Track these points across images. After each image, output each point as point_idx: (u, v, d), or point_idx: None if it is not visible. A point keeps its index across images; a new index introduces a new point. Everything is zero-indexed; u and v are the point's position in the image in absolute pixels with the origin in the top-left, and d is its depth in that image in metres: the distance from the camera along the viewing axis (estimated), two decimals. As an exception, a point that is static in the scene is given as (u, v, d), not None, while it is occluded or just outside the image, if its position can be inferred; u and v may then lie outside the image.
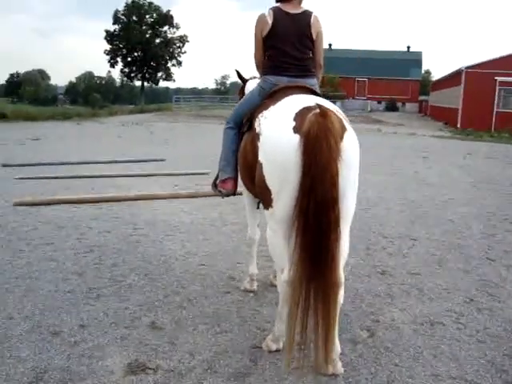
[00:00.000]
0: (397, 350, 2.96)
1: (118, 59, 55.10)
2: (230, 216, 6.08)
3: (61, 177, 8.45)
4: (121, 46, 54.17)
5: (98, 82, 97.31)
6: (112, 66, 55.35)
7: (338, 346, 2.65)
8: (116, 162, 10.56)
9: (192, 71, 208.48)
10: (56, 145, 13.63)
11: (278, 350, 2.84)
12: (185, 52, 56.00)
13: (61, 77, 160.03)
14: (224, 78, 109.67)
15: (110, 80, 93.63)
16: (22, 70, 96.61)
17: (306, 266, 2.40)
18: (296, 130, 2.43)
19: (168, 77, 57.37)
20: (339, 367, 2.67)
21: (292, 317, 2.42)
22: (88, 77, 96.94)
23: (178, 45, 55.59)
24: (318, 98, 2.79)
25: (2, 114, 27.21)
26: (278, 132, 2.53)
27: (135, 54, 54.56)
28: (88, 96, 77.53)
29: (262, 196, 2.73)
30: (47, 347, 2.83)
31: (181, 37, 55.41)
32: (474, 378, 2.69)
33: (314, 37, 3.15)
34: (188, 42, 55.89)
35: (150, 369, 2.66)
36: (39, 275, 3.94)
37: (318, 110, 2.42)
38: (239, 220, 5.74)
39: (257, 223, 3.76)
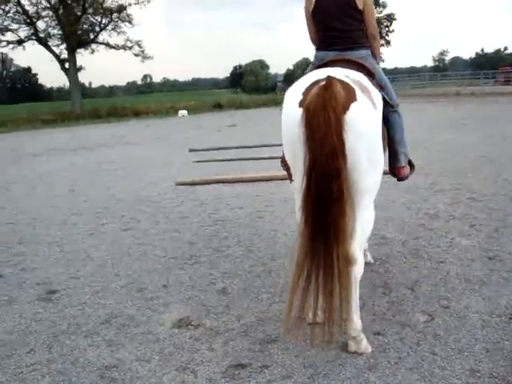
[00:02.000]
0: (445, 340, 2.68)
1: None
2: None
3: (231, 159, 9.41)
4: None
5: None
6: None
7: (357, 324, 2.56)
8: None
9: (407, 50, 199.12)
10: (247, 130, 14.99)
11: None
12: (393, 31, 53.92)
13: (279, 65, 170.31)
14: (442, 54, 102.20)
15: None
16: (243, 62, 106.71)
17: (310, 241, 2.39)
18: (301, 104, 2.44)
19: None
20: (364, 346, 2.59)
21: (293, 290, 2.43)
22: (304, 63, 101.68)
23: (385, 24, 53.82)
24: (346, 70, 2.67)
25: (218, 104, 30.91)
26: (287, 106, 2.56)
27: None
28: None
29: (286, 169, 2.79)
30: (127, 299, 3.42)
31: (388, 15, 53.49)
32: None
33: (360, 7, 2.99)
34: (395, 19, 53.66)
35: (192, 325, 3.00)
36: (158, 243, 4.65)
37: (323, 83, 2.38)
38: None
39: None
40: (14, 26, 28.68)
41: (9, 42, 28.97)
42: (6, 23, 28.28)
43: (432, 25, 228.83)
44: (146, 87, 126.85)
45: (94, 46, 30.66)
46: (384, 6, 52.80)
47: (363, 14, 3.03)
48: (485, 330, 2.76)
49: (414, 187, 6.31)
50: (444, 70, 73.24)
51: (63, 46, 28.98)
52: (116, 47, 30.63)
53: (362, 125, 2.37)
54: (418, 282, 3.45)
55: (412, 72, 74.60)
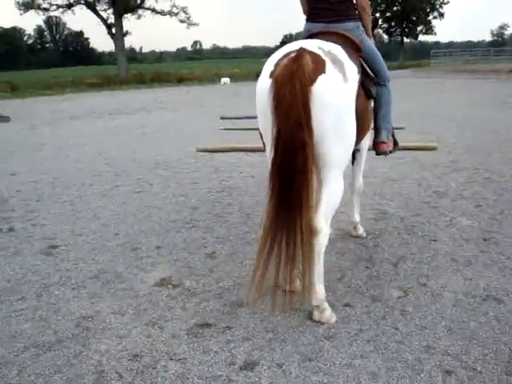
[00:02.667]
0: (411, 316, 2.70)
1: (377, 15, 54.29)
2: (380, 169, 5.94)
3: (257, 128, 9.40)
4: (379, 1, 53.15)
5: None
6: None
7: (319, 294, 2.61)
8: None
9: (464, 23, 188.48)
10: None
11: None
12: (447, 2, 51.30)
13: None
14: (502, 28, 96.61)
15: (377, 37, 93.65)
16: (294, 32, 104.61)
17: (275, 209, 2.44)
18: (271, 74, 2.46)
19: (428, 30, 53.88)
20: (327, 316, 2.65)
21: (259, 257, 2.48)
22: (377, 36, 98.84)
23: (439, -5, 51.32)
24: (323, 42, 2.64)
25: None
26: (260, 77, 2.59)
27: (394, 8, 52.84)
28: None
29: (261, 139, 2.82)
30: (120, 257, 3.60)
31: (442, -14, 50.87)
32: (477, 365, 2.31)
33: None
34: (451, -9, 50.93)
35: (172, 285, 3.15)
36: (164, 206, 4.81)
37: (293, 54, 2.39)
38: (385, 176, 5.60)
39: None
40: (64, -10, 29.29)
41: (59, 6, 29.64)
42: (56, -13, 28.92)
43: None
44: (196, 54, 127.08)
45: (140, 11, 30.89)
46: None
47: None
48: (454, 310, 2.76)
49: (432, 164, 6.18)
50: (502, 46, 69.21)
51: (110, 11, 29.38)
52: (162, 13, 30.74)
53: (329, 97, 2.37)
54: (403, 259, 3.44)
55: (468, 46, 71.06)
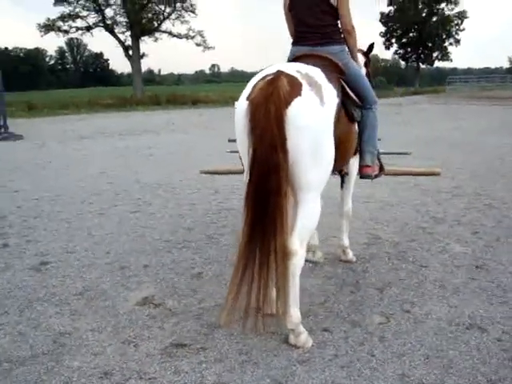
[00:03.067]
0: (390, 343, 2.66)
1: (393, 41, 54.72)
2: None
3: None
4: (395, 27, 53.58)
5: (382, 64, 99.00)
6: (387, 48, 55.39)
7: (294, 317, 2.57)
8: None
9: (481, 49, 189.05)
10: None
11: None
12: (463, 29, 51.48)
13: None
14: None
15: (394, 63, 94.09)
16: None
17: (249, 231, 2.45)
18: (248, 97, 2.49)
19: (444, 57, 53.99)
20: (302, 340, 2.61)
21: (233, 279, 2.47)
22: (373, 60, 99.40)
23: (455, 22, 51.48)
24: (302, 65, 2.68)
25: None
26: (239, 99, 2.62)
27: (410, 34, 53.20)
28: (374, 79, 79.69)
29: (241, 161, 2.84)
30: (107, 275, 3.61)
31: (459, 13, 51.06)
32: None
33: (334, 2, 2.98)
34: (467, 18, 51.13)
35: (153, 304, 3.14)
36: (158, 226, 4.83)
37: (270, 77, 2.43)
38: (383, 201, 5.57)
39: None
40: (84, 13, 30.21)
41: (78, 28, 30.50)
42: (76, 10, 29.84)
43: (510, 24, 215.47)
44: (214, 76, 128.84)
45: (157, 34, 31.62)
46: (456, 3, 50.46)
47: (338, 8, 3.01)
48: (435, 337, 2.70)
49: (434, 190, 6.14)
50: (521, 72, 69.09)
51: (128, 34, 30.11)
52: (178, 36, 31.41)
53: (304, 120, 2.39)
54: (390, 284, 3.40)
55: (486, 73, 70.95)
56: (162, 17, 31.30)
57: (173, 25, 33.06)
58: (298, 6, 3.07)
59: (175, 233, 4.62)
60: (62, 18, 29.61)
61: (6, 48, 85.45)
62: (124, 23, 30.37)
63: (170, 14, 30.95)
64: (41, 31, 29.88)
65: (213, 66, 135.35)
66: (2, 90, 12.50)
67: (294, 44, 3.16)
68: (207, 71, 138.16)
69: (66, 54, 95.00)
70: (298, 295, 2.59)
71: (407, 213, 5.17)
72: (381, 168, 3.47)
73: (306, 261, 3.69)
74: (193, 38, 31.53)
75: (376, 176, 3.46)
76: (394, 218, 5.00)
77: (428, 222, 4.82)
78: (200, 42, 31.84)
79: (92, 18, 30.54)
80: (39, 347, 2.66)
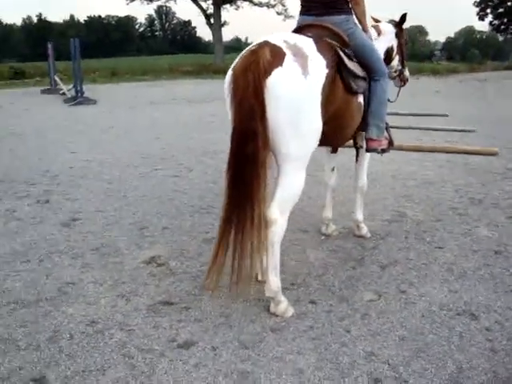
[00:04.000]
0: (370, 320, 2.63)
1: (488, 11, 50.47)
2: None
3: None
4: (491, -5, 49.26)
5: (477, 36, 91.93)
6: (481, 18, 51.19)
7: (272, 285, 2.60)
8: (397, 114, 10.57)
9: None
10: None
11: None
12: None
13: (440, 33, 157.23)
14: None
15: (491, 35, 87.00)
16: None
17: (229, 199, 2.51)
18: (233, 67, 2.52)
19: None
20: (281, 309, 2.65)
21: (216, 245, 2.56)
22: (468, 31, 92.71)
23: None
24: (294, 35, 2.62)
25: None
26: (229, 70, 2.64)
27: (508, 3, 48.65)
28: (466, 52, 74.49)
29: None
30: (126, 234, 3.85)
31: None
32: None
33: None
34: None
35: (157, 263, 3.32)
36: (190, 191, 5.01)
37: (254, 47, 2.43)
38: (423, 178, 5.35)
39: (330, 168, 3.72)
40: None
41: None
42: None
43: None
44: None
45: (238, 2, 31.58)
46: None
47: None
48: (420, 320, 2.63)
49: (483, 170, 5.77)
50: None
51: (210, 1, 30.36)
52: (259, 4, 31.17)
53: (283, 90, 2.36)
54: (396, 263, 3.31)
55: None
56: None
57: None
58: None
59: (203, 198, 4.77)
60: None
61: (100, 16, 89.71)
62: (205, -10, 30.62)
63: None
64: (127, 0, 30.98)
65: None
66: (79, 56, 13.26)
67: (300, 14, 3.09)
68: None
69: (155, 22, 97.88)
70: (277, 264, 2.61)
71: (444, 192, 4.92)
72: (390, 142, 3.33)
73: (321, 234, 3.78)
74: (274, 6, 31.15)
75: (384, 151, 3.34)
76: (428, 196, 4.79)
77: (463, 203, 4.57)
78: (281, 10, 31.41)
79: (176, -14, 31.10)
80: (44, 293, 2.92)
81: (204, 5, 31.04)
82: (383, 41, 3.75)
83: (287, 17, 31.88)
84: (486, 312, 2.70)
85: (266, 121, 2.37)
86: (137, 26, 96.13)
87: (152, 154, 6.81)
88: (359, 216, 3.75)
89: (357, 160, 3.64)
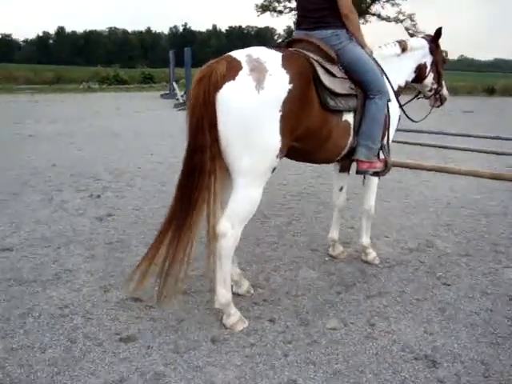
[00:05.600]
0: (314, 348, 2.51)
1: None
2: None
3: (419, 144, 8.86)
4: None
5: None
6: None
7: (220, 297, 2.58)
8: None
9: None
10: (481, 119, 13.52)
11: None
12: None
13: None
14: None
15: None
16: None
17: (173, 206, 2.55)
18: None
19: None
20: (230, 322, 2.65)
21: (151, 248, 2.58)
22: None
23: None
24: (264, 49, 2.58)
25: (490, 88, 27.70)
26: None
27: None
28: None
29: None
30: (142, 233, 4.10)
31: None
32: None
33: None
34: None
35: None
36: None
37: (213, 61, 2.49)
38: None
39: (338, 187, 3.59)
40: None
41: (291, 9, 31.88)
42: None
43: None
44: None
45: (367, 16, 31.07)
46: None
47: None
48: (367, 357, 2.43)
49: None
50: None
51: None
52: (387, 19, 30.40)
53: (234, 104, 2.37)
54: (385, 294, 3.09)
55: None
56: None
57: (382, 7, 31.84)
58: None
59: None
60: (278, -2, 31.45)
61: (240, 26, 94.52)
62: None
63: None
64: (258, 11, 32.27)
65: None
66: (190, 65, 14.22)
67: (295, 28, 3.06)
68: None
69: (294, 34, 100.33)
70: (226, 277, 2.60)
71: (496, 226, 4.42)
72: (386, 164, 3.11)
73: (328, 255, 3.66)
74: (402, 21, 30.18)
75: (376, 173, 3.13)
76: (473, 228, 4.35)
77: (510, 240, 4.06)
78: (410, 25, 30.29)
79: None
80: (42, 276, 3.26)
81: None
82: (410, 57, 3.54)
83: (416, 32, 30.57)
84: (451, 361, 2.41)
85: (216, 133, 2.41)
86: (275, 37, 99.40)
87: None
88: (365, 241, 3.55)
89: (363, 182, 3.46)
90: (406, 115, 3.57)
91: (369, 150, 2.96)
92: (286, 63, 2.52)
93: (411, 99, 3.92)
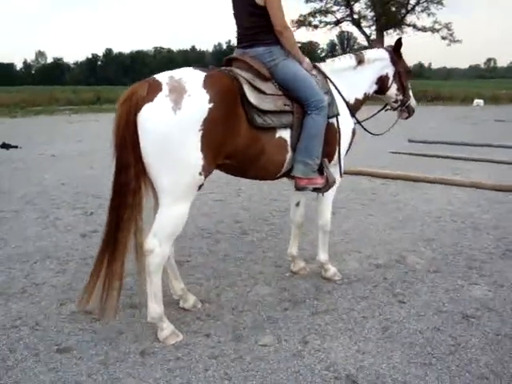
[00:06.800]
0: (233, 365, 2.52)
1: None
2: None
3: (426, 155, 8.75)
4: None
5: None
6: None
7: (151, 311, 2.65)
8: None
9: None
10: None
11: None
12: None
13: None
14: None
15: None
16: None
17: (107, 224, 2.67)
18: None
19: None
20: (163, 335, 2.70)
21: (95, 264, 2.69)
22: None
23: None
24: (190, 70, 2.66)
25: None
26: None
27: None
28: None
29: None
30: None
31: None
32: None
33: (261, 3, 2.84)
34: None
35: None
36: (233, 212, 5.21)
37: (137, 83, 2.60)
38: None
39: (295, 202, 3.59)
40: (334, 8, 31.62)
41: (327, 23, 32.09)
42: (328, 6, 31.46)
43: None
44: (488, 72, 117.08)
45: (402, 27, 30.73)
46: None
47: (267, 8, 2.85)
48: (283, 375, 2.42)
49: None
50: None
51: (373, 28, 30.20)
52: (423, 29, 29.93)
53: (151, 125, 2.45)
54: (333, 311, 3.05)
55: None
56: (405, 10, 30.28)
57: (417, 18, 31.33)
58: (235, 9, 3.05)
59: (237, 222, 4.93)
60: (313, 13, 31.61)
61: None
62: (369, 17, 30.59)
63: (414, 7, 29.72)
64: (293, 26, 32.54)
65: (488, 60, 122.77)
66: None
67: (236, 46, 3.13)
68: (482, 66, 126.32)
69: (337, 47, 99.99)
70: (157, 292, 2.66)
71: (482, 240, 4.27)
72: (327, 180, 3.08)
73: (290, 271, 3.65)
74: (438, 31, 29.62)
75: (317, 189, 3.10)
76: (456, 243, 4.22)
77: (491, 255, 3.93)
78: (446, 35, 29.69)
79: (340, 13, 31.75)
80: (11, 289, 3.41)
81: (367, 31, 31.03)
82: (368, 68, 3.51)
83: (452, 41, 29.92)
84: (372, 382, 2.35)
85: (139, 152, 2.50)
86: (319, 51, 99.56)
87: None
88: (322, 257, 3.51)
89: (317, 197, 3.44)
90: (365, 129, 3.55)
91: (306, 166, 2.95)
92: (208, 83, 2.58)
93: (378, 111, 3.88)
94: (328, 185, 3.10)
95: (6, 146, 10.38)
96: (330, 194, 3.37)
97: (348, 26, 32.25)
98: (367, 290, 3.34)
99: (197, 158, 2.53)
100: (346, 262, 3.85)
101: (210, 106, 2.54)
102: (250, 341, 2.73)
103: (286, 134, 2.91)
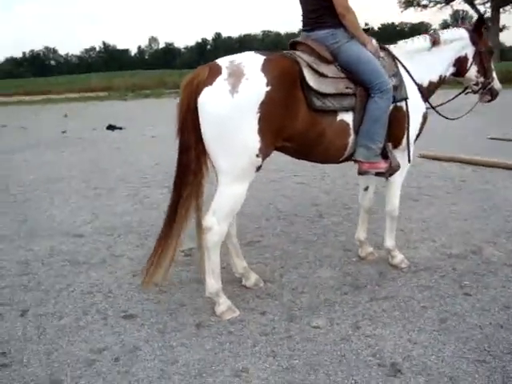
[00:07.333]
0: (290, 345, 2.58)
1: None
2: None
3: None
4: None
5: None
6: None
7: (209, 286, 2.79)
8: None
9: None
10: None
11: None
12: None
13: None
14: None
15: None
16: None
17: (170, 202, 2.82)
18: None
19: None
20: (220, 310, 2.83)
21: (158, 241, 2.87)
22: None
23: None
24: (252, 54, 2.71)
25: None
26: None
27: None
28: None
29: None
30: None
31: None
32: None
33: None
34: None
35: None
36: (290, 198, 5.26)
37: (200, 67, 2.72)
38: None
39: (363, 187, 3.53)
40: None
41: (436, 2, 30.04)
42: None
43: None
44: None
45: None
46: None
47: None
48: (283, 347, 2.44)
49: None
50: None
51: (488, 5, 27.73)
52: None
53: (210, 108, 2.55)
54: (390, 300, 2.97)
55: None
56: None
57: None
58: None
59: (300, 206, 4.98)
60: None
61: (393, 23, 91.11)
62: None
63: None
64: (401, 7, 31.01)
65: None
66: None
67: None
68: None
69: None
70: (215, 268, 2.79)
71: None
72: (391, 165, 2.97)
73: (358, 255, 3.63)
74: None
75: (381, 174, 3.00)
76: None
77: None
78: None
79: (451, -10, 29.58)
80: (92, 259, 3.78)
81: (482, 8, 28.54)
82: (445, 50, 3.33)
83: None
84: (416, 373, 2.29)
85: (199, 135, 2.63)
86: (431, 33, 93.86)
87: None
88: (389, 243, 3.42)
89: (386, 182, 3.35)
90: (438, 113, 3.37)
91: (368, 150, 2.89)
92: (267, 66, 2.62)
93: (457, 95, 3.66)
94: (391, 169, 3.00)
95: (111, 128, 11.26)
96: (398, 179, 3.26)
97: (460, 5, 29.90)
98: (433, 280, 3.20)
99: (254, 141, 2.59)
100: (418, 249, 3.71)
101: (268, 89, 2.58)
102: (303, 321, 2.77)
103: (348, 118, 2.87)
